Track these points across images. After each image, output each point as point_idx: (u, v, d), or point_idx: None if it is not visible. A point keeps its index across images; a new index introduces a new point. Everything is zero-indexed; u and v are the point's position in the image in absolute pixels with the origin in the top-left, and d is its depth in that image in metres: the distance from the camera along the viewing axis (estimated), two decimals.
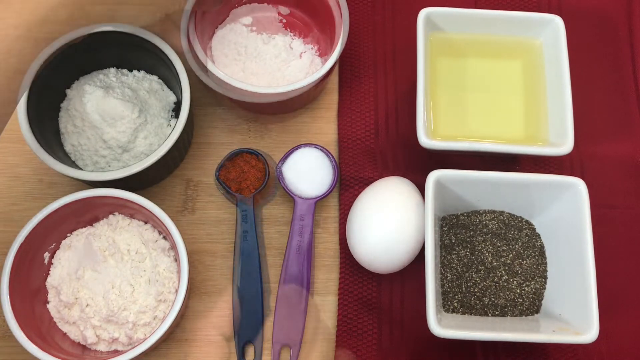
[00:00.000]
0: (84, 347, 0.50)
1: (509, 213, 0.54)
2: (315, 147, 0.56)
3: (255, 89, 0.52)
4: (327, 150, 0.56)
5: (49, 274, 0.51)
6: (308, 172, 0.55)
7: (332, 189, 0.55)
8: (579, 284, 0.49)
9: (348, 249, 0.53)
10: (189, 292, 0.52)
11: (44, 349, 0.46)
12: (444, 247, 0.53)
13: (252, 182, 0.55)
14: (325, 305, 0.55)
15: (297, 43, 0.59)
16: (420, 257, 0.51)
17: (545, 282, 0.52)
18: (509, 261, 0.52)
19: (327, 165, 0.56)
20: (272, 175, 0.57)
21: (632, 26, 0.62)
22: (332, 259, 0.56)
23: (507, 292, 0.51)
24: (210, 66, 0.53)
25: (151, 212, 0.49)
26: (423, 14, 0.55)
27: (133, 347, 0.46)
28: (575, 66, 0.55)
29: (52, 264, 0.51)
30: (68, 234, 0.52)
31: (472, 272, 0.52)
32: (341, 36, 0.54)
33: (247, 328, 0.52)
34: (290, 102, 0.57)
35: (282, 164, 0.56)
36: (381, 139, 0.59)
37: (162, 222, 0.49)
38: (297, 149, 0.56)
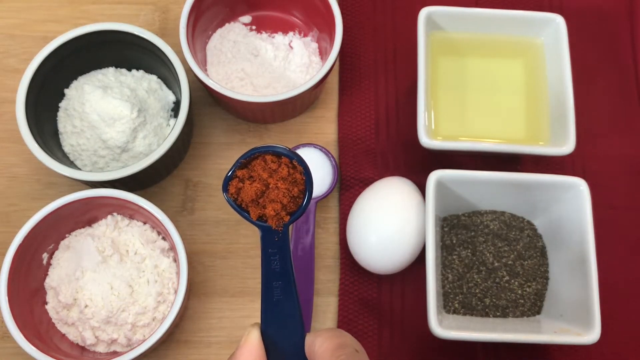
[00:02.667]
0: (82, 348, 0.50)
1: (510, 213, 0.54)
2: (315, 147, 0.56)
3: (251, 99, 0.52)
4: (327, 150, 0.56)
5: (47, 274, 0.51)
6: None
7: (332, 189, 0.55)
8: (580, 285, 0.49)
9: (348, 250, 0.53)
10: (189, 293, 0.52)
11: (43, 350, 0.45)
12: (445, 248, 0.53)
13: (283, 204, 0.34)
14: (325, 306, 0.54)
15: (297, 42, 0.59)
16: (421, 257, 0.51)
17: (546, 283, 0.52)
18: (510, 262, 0.52)
19: (327, 165, 0.55)
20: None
21: (633, 25, 0.62)
22: (333, 260, 0.55)
23: (509, 293, 0.51)
24: (204, 79, 0.52)
25: (150, 213, 0.49)
26: (424, 13, 0.54)
27: (132, 349, 0.46)
28: (577, 66, 0.55)
29: (50, 264, 0.51)
30: (67, 235, 0.52)
31: (473, 273, 0.52)
32: (337, 36, 0.54)
33: None
34: (292, 106, 0.56)
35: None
36: (381, 138, 0.58)
37: (161, 222, 0.49)
38: (296, 149, 0.56)
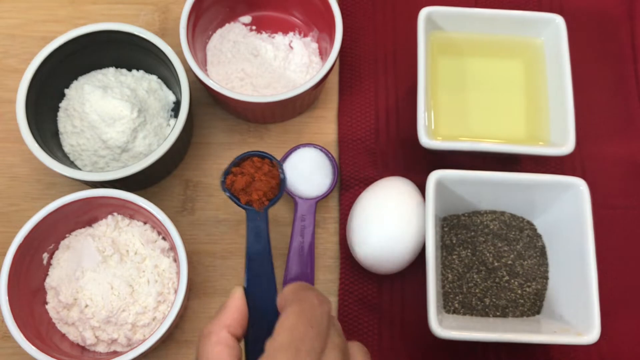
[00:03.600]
0: (83, 348, 0.50)
1: (510, 213, 0.54)
2: (315, 147, 0.56)
3: (251, 99, 0.52)
4: (327, 151, 0.56)
5: (47, 274, 0.51)
6: (308, 172, 0.55)
7: (332, 189, 0.55)
8: (580, 285, 0.49)
9: (348, 250, 0.53)
10: (189, 293, 0.52)
11: (43, 350, 0.45)
12: (445, 248, 0.53)
13: (264, 192, 0.45)
14: None
15: (297, 43, 0.59)
16: (420, 257, 0.51)
17: (546, 283, 0.52)
18: (510, 262, 0.52)
19: (327, 165, 0.56)
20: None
21: (633, 26, 0.62)
22: (333, 260, 0.56)
23: (508, 293, 0.51)
24: (204, 79, 0.52)
25: (150, 213, 0.49)
26: (423, 13, 0.54)
27: (132, 348, 0.46)
28: (577, 66, 0.55)
29: (51, 264, 0.51)
30: (67, 235, 0.52)
31: (473, 273, 0.52)
32: (337, 36, 0.54)
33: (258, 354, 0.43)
34: (292, 106, 0.56)
35: (282, 164, 0.55)
36: (381, 139, 0.58)
37: (161, 222, 0.49)
38: (296, 149, 0.56)
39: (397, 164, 0.58)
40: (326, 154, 0.56)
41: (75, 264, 0.50)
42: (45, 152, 0.50)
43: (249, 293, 0.42)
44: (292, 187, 0.55)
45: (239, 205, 0.45)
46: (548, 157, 0.58)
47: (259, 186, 0.45)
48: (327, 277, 0.55)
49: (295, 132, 0.59)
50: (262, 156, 0.46)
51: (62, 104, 0.55)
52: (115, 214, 0.52)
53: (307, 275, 0.53)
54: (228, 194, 0.45)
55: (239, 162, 0.46)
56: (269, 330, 0.38)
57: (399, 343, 0.53)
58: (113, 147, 0.53)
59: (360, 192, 0.54)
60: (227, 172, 0.46)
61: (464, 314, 0.51)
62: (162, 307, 0.50)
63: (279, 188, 0.45)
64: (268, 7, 0.60)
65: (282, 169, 0.46)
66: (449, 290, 0.52)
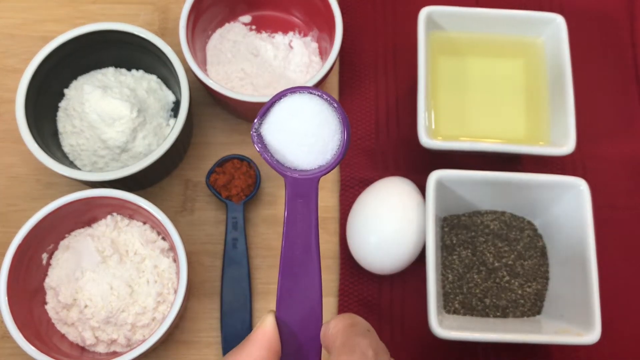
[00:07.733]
0: (82, 349, 0.50)
1: (510, 213, 0.54)
2: (312, 94, 0.36)
3: (251, 99, 0.52)
4: (333, 98, 0.36)
5: (47, 275, 0.51)
6: (303, 132, 0.36)
7: (341, 156, 0.36)
8: (581, 285, 0.49)
9: (348, 250, 0.53)
10: (188, 293, 0.52)
11: (43, 350, 0.45)
12: (445, 248, 0.53)
13: (242, 189, 0.54)
14: (325, 307, 0.54)
15: (297, 42, 0.59)
16: (421, 257, 0.51)
17: (547, 283, 0.52)
18: (510, 262, 0.52)
19: (331, 119, 0.36)
20: (264, 183, 0.56)
21: (634, 25, 0.62)
22: (333, 260, 0.55)
23: (509, 293, 0.51)
24: (204, 78, 0.52)
25: (150, 213, 0.49)
26: (424, 13, 0.54)
27: (132, 349, 0.46)
28: (577, 65, 0.55)
29: (50, 264, 0.51)
30: (66, 235, 0.52)
31: (473, 273, 0.52)
32: (337, 36, 0.54)
33: (233, 337, 0.52)
34: None
35: (261, 123, 0.36)
36: (382, 138, 0.58)
37: (160, 223, 0.49)
38: (282, 97, 0.36)
39: (397, 164, 0.58)
40: (330, 104, 0.36)
41: (74, 264, 0.50)
42: (44, 152, 0.50)
43: (226, 272, 0.53)
44: (279, 156, 0.36)
45: (220, 199, 0.54)
46: (549, 157, 0.58)
47: (237, 183, 0.54)
48: (327, 277, 0.55)
49: None
50: (241, 159, 0.55)
51: (62, 104, 0.55)
52: (114, 214, 0.52)
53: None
54: (211, 190, 0.54)
55: (221, 163, 0.55)
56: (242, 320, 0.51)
57: (399, 343, 0.53)
58: (112, 147, 0.53)
59: (360, 192, 0.54)
60: (211, 171, 0.55)
61: (464, 314, 0.51)
62: (162, 308, 0.50)
63: (255, 185, 0.55)
64: (268, 6, 0.60)
65: (258, 171, 0.55)
66: (449, 290, 0.51)
